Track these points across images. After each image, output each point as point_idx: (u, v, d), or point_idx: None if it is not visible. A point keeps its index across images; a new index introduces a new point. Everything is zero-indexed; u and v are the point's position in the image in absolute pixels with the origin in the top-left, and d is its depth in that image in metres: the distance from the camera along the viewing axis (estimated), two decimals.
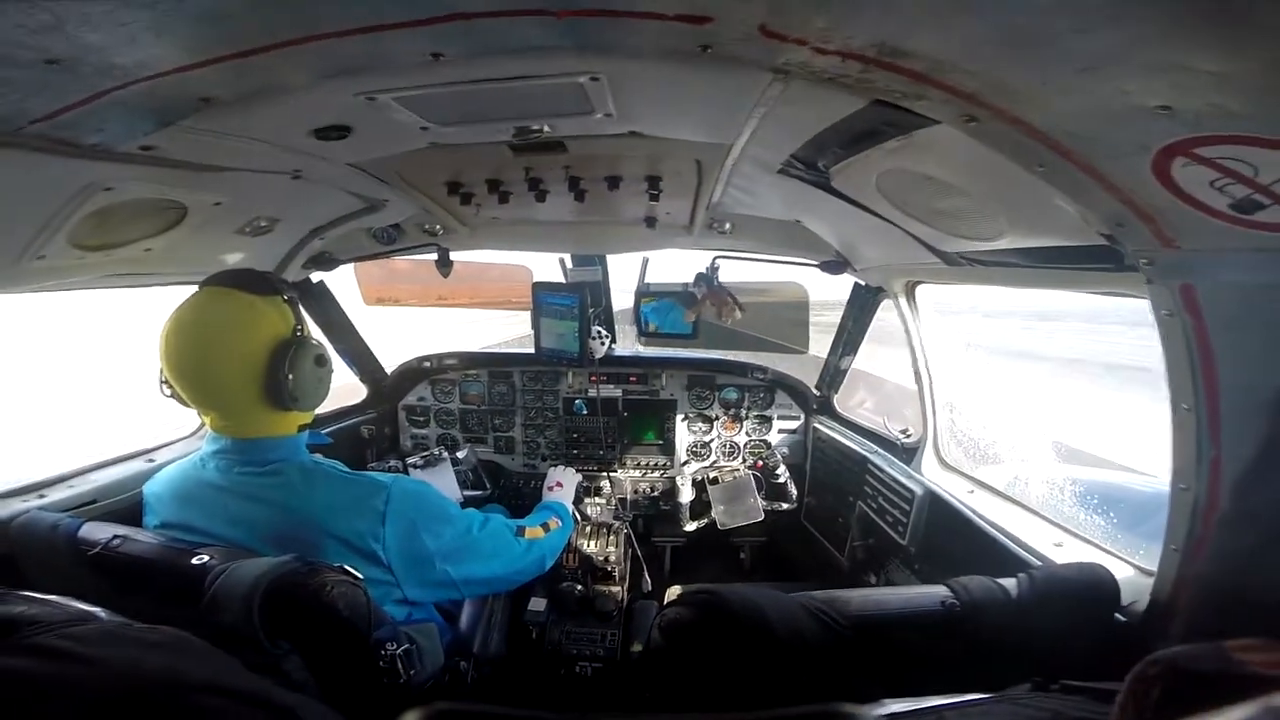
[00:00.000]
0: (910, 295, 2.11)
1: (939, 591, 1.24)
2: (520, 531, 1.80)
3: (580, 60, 1.05)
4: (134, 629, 0.83)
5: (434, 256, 2.42)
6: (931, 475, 2.11)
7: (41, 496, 1.64)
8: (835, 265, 2.29)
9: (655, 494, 2.97)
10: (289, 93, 1.07)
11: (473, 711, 0.92)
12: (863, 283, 2.37)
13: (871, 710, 0.86)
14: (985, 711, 0.86)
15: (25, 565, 1.38)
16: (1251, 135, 0.73)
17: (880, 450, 2.37)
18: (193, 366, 1.37)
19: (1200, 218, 0.91)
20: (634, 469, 2.99)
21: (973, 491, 1.93)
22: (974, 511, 1.79)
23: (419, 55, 0.95)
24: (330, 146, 1.38)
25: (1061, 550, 1.54)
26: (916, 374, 2.18)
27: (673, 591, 2.40)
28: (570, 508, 2.29)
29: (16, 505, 1.53)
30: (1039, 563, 1.49)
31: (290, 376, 1.38)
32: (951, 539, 1.83)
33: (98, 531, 1.36)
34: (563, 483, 2.49)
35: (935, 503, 1.95)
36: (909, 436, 2.31)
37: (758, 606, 1.14)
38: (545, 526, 1.90)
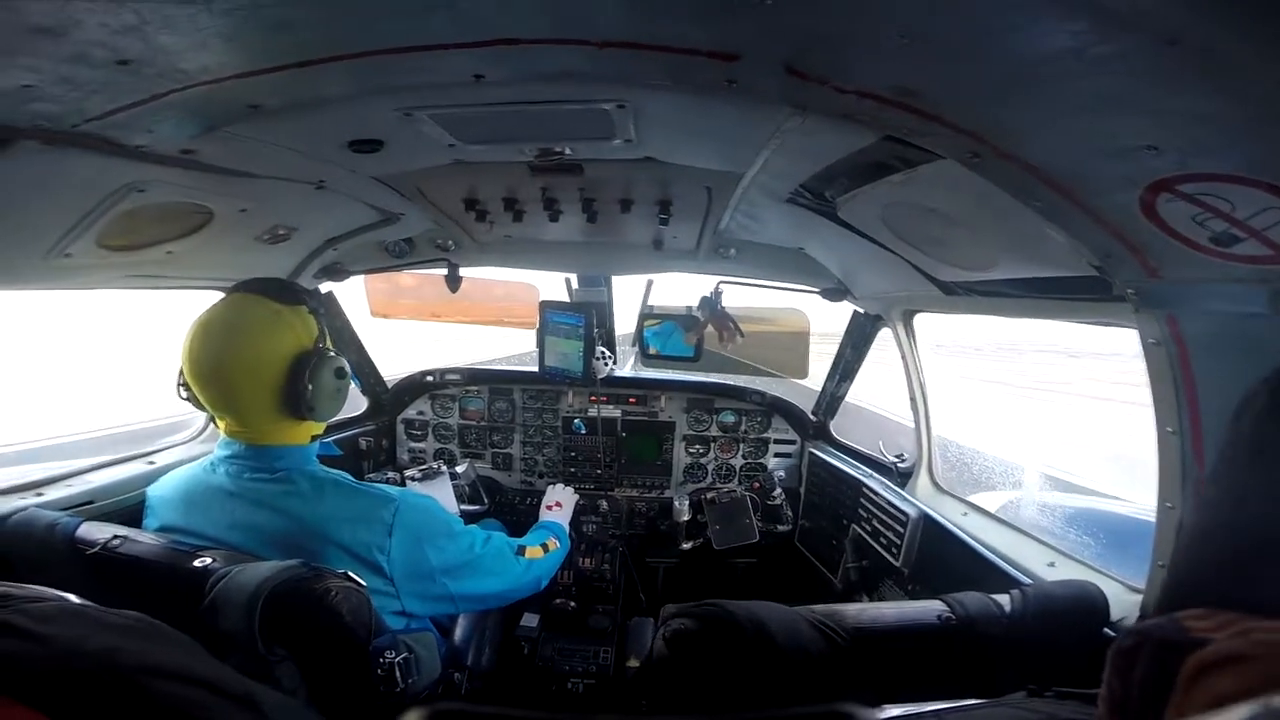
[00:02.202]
0: (908, 323, 2.18)
1: (935, 606, 1.28)
2: (521, 551, 1.82)
3: (609, 88, 1.12)
4: (93, 609, 0.83)
5: (443, 271, 2.47)
6: (926, 498, 2.15)
7: (39, 495, 1.63)
8: (835, 293, 2.36)
9: (651, 514, 2.98)
10: (332, 104, 1.13)
11: (475, 713, 0.94)
12: (861, 310, 2.44)
13: (874, 714, 0.89)
14: (984, 716, 0.90)
15: (20, 563, 1.37)
16: (1229, 174, 0.81)
17: (875, 474, 2.41)
18: (214, 370, 1.40)
19: (1183, 250, 0.98)
20: (630, 489, 3.01)
21: (966, 514, 1.98)
22: (967, 533, 1.83)
23: (462, 75, 1.01)
24: (360, 159, 1.44)
25: (1054, 570, 1.58)
26: (912, 399, 2.24)
27: (666, 609, 2.40)
28: (567, 528, 2.30)
29: (13, 503, 1.52)
30: (1030, 581, 1.53)
31: (310, 387, 1.41)
32: (945, 560, 1.87)
33: (97, 531, 1.37)
34: (561, 502, 2.49)
35: (929, 525, 1.99)
36: (904, 461, 2.36)
37: (760, 618, 1.17)
38: (545, 547, 1.92)
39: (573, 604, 2.53)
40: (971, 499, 2.11)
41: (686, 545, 2.79)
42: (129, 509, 1.66)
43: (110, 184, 1.27)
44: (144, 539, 1.37)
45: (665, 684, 1.18)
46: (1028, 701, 0.91)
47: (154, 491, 1.55)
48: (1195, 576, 1.00)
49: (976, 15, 0.69)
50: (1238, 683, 0.43)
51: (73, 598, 0.89)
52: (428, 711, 0.75)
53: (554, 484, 2.65)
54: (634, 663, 2.24)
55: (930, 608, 1.28)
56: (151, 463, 1.97)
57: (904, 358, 2.24)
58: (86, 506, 1.68)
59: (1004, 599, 1.27)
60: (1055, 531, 1.81)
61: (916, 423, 2.25)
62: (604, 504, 2.93)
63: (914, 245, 1.62)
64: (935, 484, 2.20)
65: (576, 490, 2.94)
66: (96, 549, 1.32)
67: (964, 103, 0.88)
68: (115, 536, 1.34)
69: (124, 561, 1.31)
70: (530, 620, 2.45)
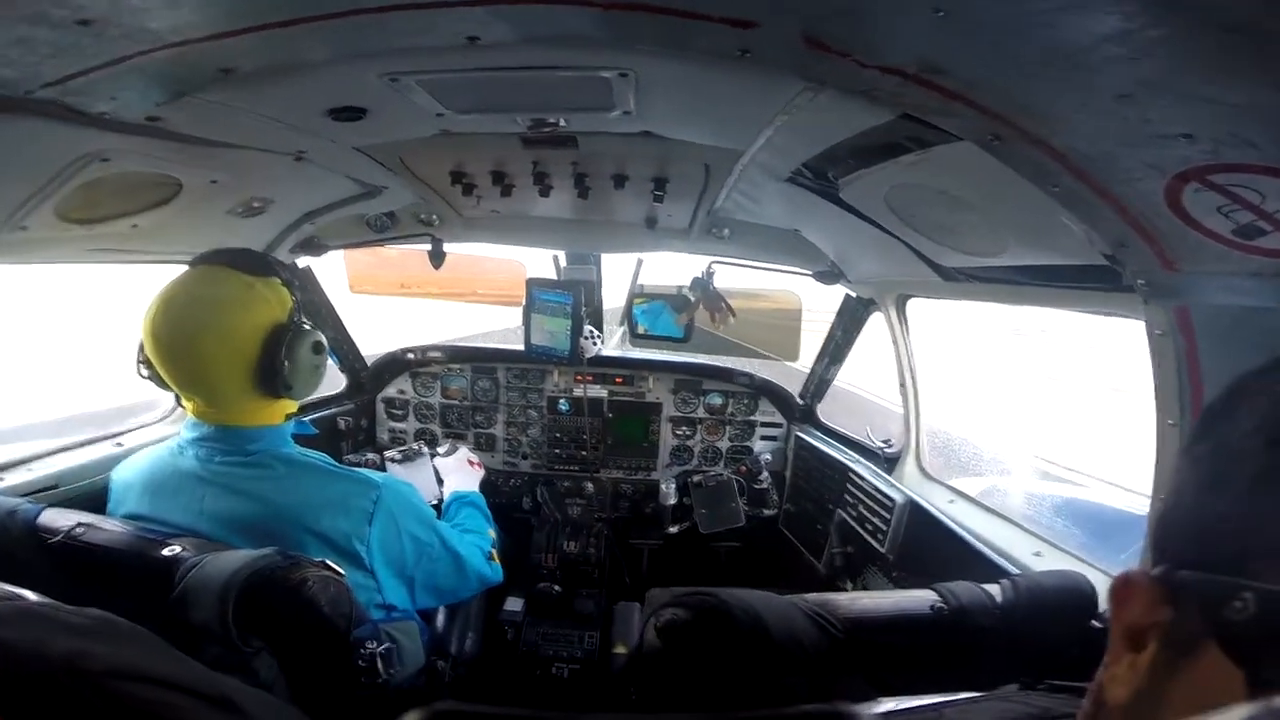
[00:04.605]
0: (900, 309, 2.16)
1: (927, 596, 1.27)
2: (490, 555, 1.77)
3: (613, 55, 1.06)
4: (54, 609, 0.77)
5: (426, 247, 2.39)
6: (912, 485, 2.15)
7: None
8: (829, 275, 2.33)
9: (636, 496, 2.96)
10: (311, 69, 1.05)
11: (476, 713, 0.91)
12: (854, 294, 2.42)
13: (869, 709, 0.88)
14: (983, 709, 0.89)
15: None
16: (1265, 165, 0.78)
17: (861, 459, 2.41)
18: (181, 347, 1.31)
19: (1202, 241, 0.96)
20: (616, 470, 2.98)
21: (953, 501, 1.98)
22: (954, 520, 1.84)
23: (455, 37, 0.94)
24: (341, 128, 1.36)
25: (1041, 560, 1.59)
26: (901, 385, 2.23)
27: (652, 594, 2.40)
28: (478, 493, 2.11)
29: None
30: (1018, 571, 1.54)
31: (286, 363, 1.34)
32: (931, 547, 1.88)
33: (60, 519, 1.29)
34: (456, 471, 2.24)
35: (915, 511, 1.99)
36: (891, 447, 2.36)
37: (755, 608, 1.15)
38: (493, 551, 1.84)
39: (557, 588, 2.51)
40: (957, 484, 2.12)
41: (673, 529, 2.78)
42: (95, 494, 1.58)
43: (70, 153, 1.19)
44: (110, 526, 1.30)
45: (656, 675, 1.16)
46: (1021, 695, 0.91)
47: (118, 475, 1.47)
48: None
49: None
50: None
51: (30, 595, 0.84)
52: (427, 712, 0.72)
53: (437, 451, 2.36)
54: (621, 649, 2.23)
55: (922, 597, 1.27)
56: (119, 444, 1.89)
57: (895, 342, 2.23)
58: (50, 492, 1.60)
59: (994, 589, 1.27)
60: (1041, 520, 1.81)
61: (905, 408, 2.25)
62: (589, 486, 2.91)
63: (917, 229, 1.59)
64: (922, 470, 2.21)
65: (562, 471, 2.91)
66: (59, 538, 1.25)
67: (994, 83, 0.84)
68: (79, 524, 1.27)
69: (88, 551, 1.24)
70: (514, 605, 2.42)
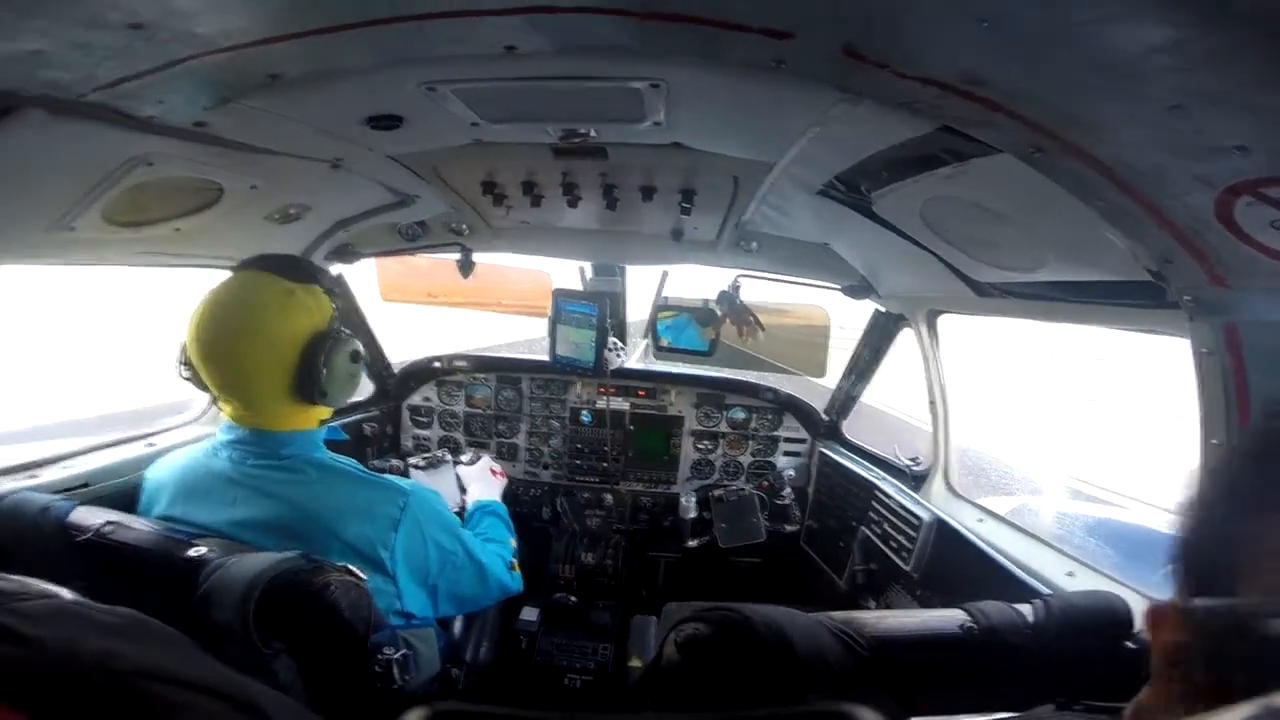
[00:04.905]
0: (931, 325, 2.13)
1: (957, 615, 1.23)
2: (512, 565, 1.76)
3: (646, 66, 1.06)
4: (85, 607, 0.78)
5: (455, 256, 2.41)
6: (940, 503, 2.10)
7: (33, 476, 1.57)
8: (858, 290, 2.30)
9: (655, 509, 2.94)
10: (352, 76, 1.07)
11: (477, 713, 0.90)
12: (884, 309, 2.38)
13: (865, 712, 0.85)
14: None
15: (8, 549, 1.31)
16: None
17: (888, 477, 2.37)
18: (222, 351, 1.33)
19: (1255, 256, 0.93)
20: (636, 483, 2.96)
21: (982, 520, 1.94)
22: (983, 539, 1.79)
23: (493, 46, 0.95)
24: (378, 136, 1.38)
25: (1074, 580, 1.54)
26: (931, 402, 2.19)
27: (669, 607, 2.37)
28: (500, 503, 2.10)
29: (6, 485, 1.46)
30: (1049, 591, 1.49)
31: (325, 371, 1.35)
32: (958, 566, 1.83)
33: (91, 517, 1.31)
34: (479, 480, 2.23)
35: (943, 530, 1.95)
36: (919, 465, 2.31)
37: (779, 625, 1.12)
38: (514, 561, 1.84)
39: (573, 598, 2.49)
40: (986, 503, 2.07)
41: (692, 543, 2.75)
42: (127, 493, 1.60)
43: (118, 156, 1.22)
44: (138, 525, 1.31)
45: (675, 691, 1.14)
46: (1057, 715, 0.87)
47: (152, 475, 1.49)
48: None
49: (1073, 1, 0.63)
50: None
51: (64, 592, 0.85)
52: (428, 712, 0.71)
53: (460, 459, 2.34)
54: (636, 662, 2.21)
55: (952, 616, 1.23)
56: (151, 444, 1.91)
57: (925, 359, 2.19)
58: (82, 490, 1.62)
59: (1026, 609, 1.23)
60: (1074, 540, 1.76)
61: (935, 426, 2.21)
62: (609, 498, 2.90)
63: (952, 243, 1.56)
64: (951, 488, 2.16)
65: (582, 483, 2.90)
66: (88, 535, 1.27)
67: (1039, 95, 0.82)
68: (108, 523, 1.29)
69: (116, 549, 1.26)
70: (530, 614, 2.41)
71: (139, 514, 1.44)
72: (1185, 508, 0.49)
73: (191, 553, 1.19)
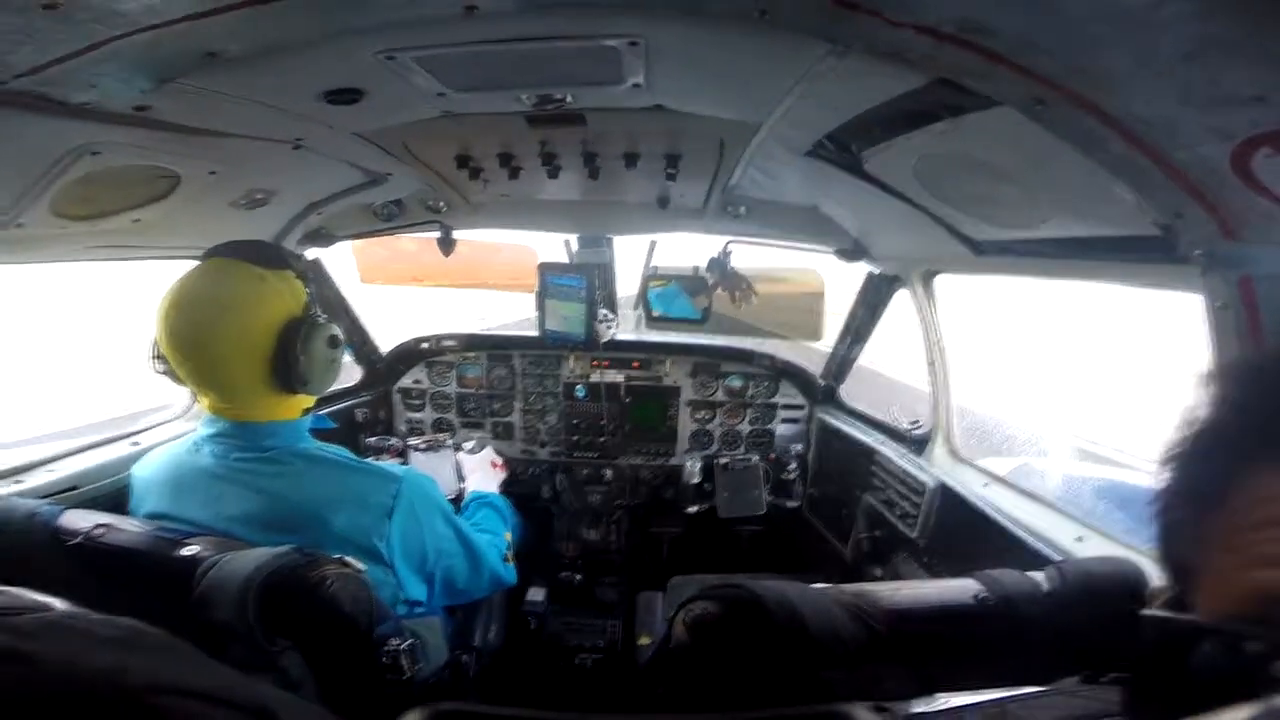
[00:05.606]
0: (927, 285, 2.08)
1: (970, 585, 1.21)
2: (506, 558, 1.75)
3: (621, 21, 0.99)
4: (85, 620, 0.75)
5: (436, 234, 2.34)
6: (943, 467, 2.08)
7: (18, 482, 1.53)
8: (851, 253, 2.24)
9: (656, 482, 2.93)
10: (302, 49, 1.00)
11: (477, 713, 0.88)
12: (878, 271, 2.33)
13: (925, 705, 0.82)
14: (1048, 704, 0.84)
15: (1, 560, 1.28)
16: None
17: (889, 441, 2.34)
18: (194, 342, 1.28)
19: (1272, 209, 0.87)
20: (635, 456, 2.94)
21: (987, 484, 1.91)
22: (989, 505, 1.77)
23: (451, 6, 0.87)
24: (338, 112, 1.30)
25: (1083, 545, 1.52)
26: (930, 364, 2.15)
27: (675, 582, 2.37)
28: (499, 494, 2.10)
29: None
30: (1059, 557, 1.47)
31: (302, 358, 1.30)
32: (965, 532, 1.81)
33: (79, 520, 1.27)
34: (497, 463, 2.26)
35: (948, 495, 1.92)
36: (918, 428, 2.28)
37: (788, 600, 1.09)
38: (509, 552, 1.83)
39: (579, 576, 2.50)
40: (990, 466, 2.05)
41: (692, 509, 2.74)
42: (115, 494, 1.57)
43: (58, 147, 1.15)
44: (128, 527, 1.28)
45: (685, 672, 1.12)
46: (1091, 689, 0.85)
47: (139, 473, 1.46)
48: None
49: None
50: None
51: (58, 603, 0.82)
52: (428, 712, 0.68)
53: (463, 446, 2.34)
54: (645, 639, 2.21)
55: (965, 587, 1.21)
56: (136, 443, 1.87)
57: (922, 321, 2.14)
58: (70, 493, 1.59)
59: (1040, 576, 1.21)
60: (1082, 504, 1.73)
61: (934, 388, 2.17)
62: (608, 473, 2.88)
63: (947, 201, 1.50)
64: (953, 452, 2.13)
65: (580, 459, 2.87)
66: (79, 539, 1.23)
67: (1042, 45, 0.76)
68: (98, 526, 1.25)
69: (108, 552, 1.22)
70: (537, 594, 2.41)
71: (129, 514, 1.41)
72: (1171, 455, 0.49)
73: (184, 552, 1.17)
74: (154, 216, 1.54)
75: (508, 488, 2.64)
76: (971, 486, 1.90)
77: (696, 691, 1.09)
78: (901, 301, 2.28)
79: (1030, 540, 1.57)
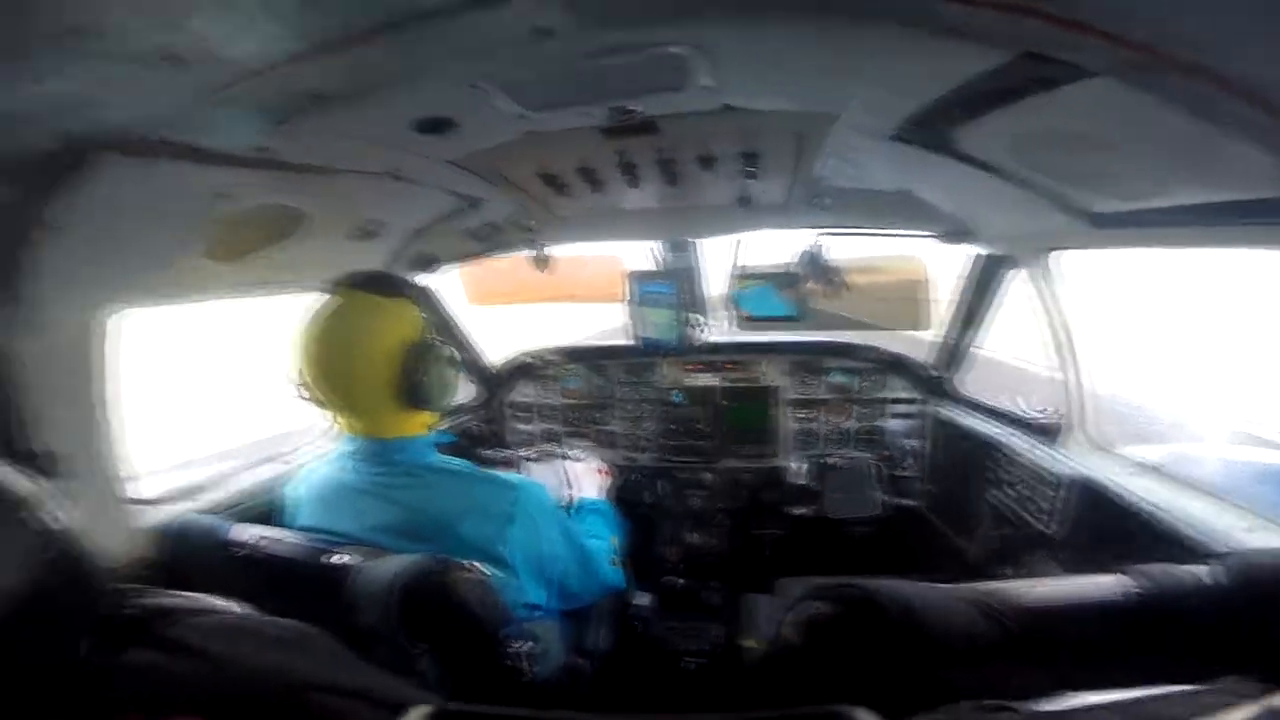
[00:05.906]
0: (1044, 263, 1.91)
1: (1117, 580, 1.09)
2: (614, 562, 1.78)
3: (685, 26, 0.99)
4: (255, 622, 0.83)
5: (531, 252, 2.44)
6: (1081, 458, 1.90)
7: (195, 500, 1.73)
8: (954, 236, 2.09)
9: (757, 485, 2.87)
10: (393, 85, 1.08)
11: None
12: (986, 253, 2.16)
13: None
14: (1190, 703, 0.74)
15: (183, 571, 1.43)
16: None
17: (1016, 433, 2.17)
18: (326, 372, 1.41)
19: None
20: (734, 460, 2.90)
21: (1133, 474, 1.72)
22: (1139, 496, 1.60)
23: (521, 30, 0.92)
24: (430, 141, 1.40)
25: (1254, 536, 1.34)
26: (1058, 347, 1.96)
27: (784, 584, 2.31)
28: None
29: (174, 509, 1.61)
30: (1225, 550, 1.29)
31: (423, 380, 1.40)
32: (1110, 527, 1.65)
33: (245, 533, 1.42)
34: (584, 477, 2.25)
35: (1088, 487, 1.76)
36: (1047, 416, 2.08)
37: (905, 599, 1.03)
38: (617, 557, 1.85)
39: (682, 581, 2.49)
40: (1135, 455, 1.83)
41: (797, 511, 2.65)
42: (273, 508, 1.72)
43: (197, 191, 1.28)
44: (286, 538, 1.41)
45: (798, 674, 1.08)
46: (1246, 686, 0.75)
47: (291, 491, 1.61)
48: None
49: None
50: None
51: (234, 606, 0.91)
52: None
53: (566, 457, 2.35)
54: (751, 642, 2.17)
55: (1111, 583, 1.08)
56: (288, 462, 2.08)
57: (1043, 302, 1.96)
58: (236, 508, 1.77)
59: (1200, 570, 1.06)
60: (1249, 492, 1.51)
61: (1065, 373, 1.98)
62: (708, 476, 2.86)
63: (1053, 176, 1.37)
64: (1091, 441, 1.93)
65: (679, 463, 2.87)
66: (246, 550, 1.38)
67: (1139, 12, 0.68)
68: (262, 537, 1.40)
69: (269, 562, 1.36)
70: (642, 600, 2.43)
71: (285, 526, 1.55)
72: None
73: (334, 560, 1.26)
74: (285, 252, 1.70)
75: (612, 494, 2.71)
76: (1116, 477, 1.73)
77: (809, 693, 1.06)
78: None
79: (1190, 533, 1.41)
